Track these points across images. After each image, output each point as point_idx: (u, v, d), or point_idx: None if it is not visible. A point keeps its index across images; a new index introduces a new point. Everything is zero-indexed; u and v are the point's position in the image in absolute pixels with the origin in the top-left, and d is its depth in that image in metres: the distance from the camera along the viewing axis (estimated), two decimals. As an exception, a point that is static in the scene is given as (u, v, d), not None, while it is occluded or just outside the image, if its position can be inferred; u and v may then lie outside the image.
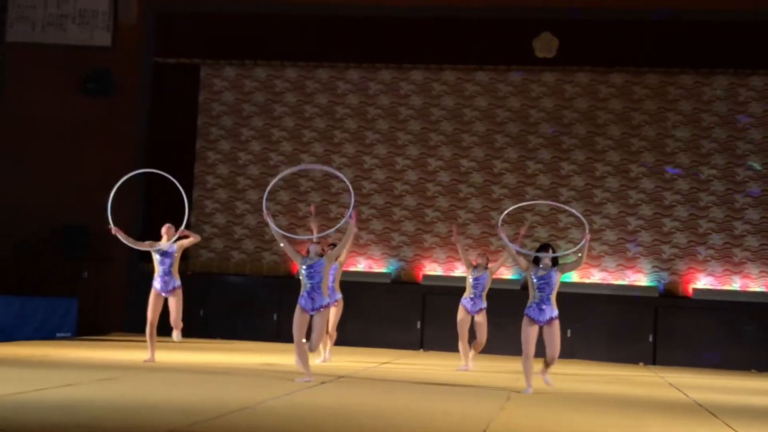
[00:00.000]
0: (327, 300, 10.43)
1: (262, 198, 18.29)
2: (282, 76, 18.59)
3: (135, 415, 7.33)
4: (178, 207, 18.32)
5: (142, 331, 12.35)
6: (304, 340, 10.47)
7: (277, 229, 10.64)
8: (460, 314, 13.03)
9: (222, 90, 18.71)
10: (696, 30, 17.17)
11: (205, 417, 7.25)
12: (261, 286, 17.94)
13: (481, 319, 12.92)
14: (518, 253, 10.67)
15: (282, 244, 10.64)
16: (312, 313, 10.38)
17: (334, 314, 13.39)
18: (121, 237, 12.11)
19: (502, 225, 11.06)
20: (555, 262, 10.38)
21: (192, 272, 18.11)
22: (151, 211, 18.32)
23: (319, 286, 10.31)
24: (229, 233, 18.42)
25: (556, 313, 10.27)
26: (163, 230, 12.48)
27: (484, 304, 12.92)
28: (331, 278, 12.67)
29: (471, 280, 12.93)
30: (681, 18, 17.17)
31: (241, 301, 17.83)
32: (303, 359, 10.45)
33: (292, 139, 18.47)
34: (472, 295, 12.90)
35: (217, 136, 18.65)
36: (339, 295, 13.48)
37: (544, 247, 10.49)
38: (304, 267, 10.34)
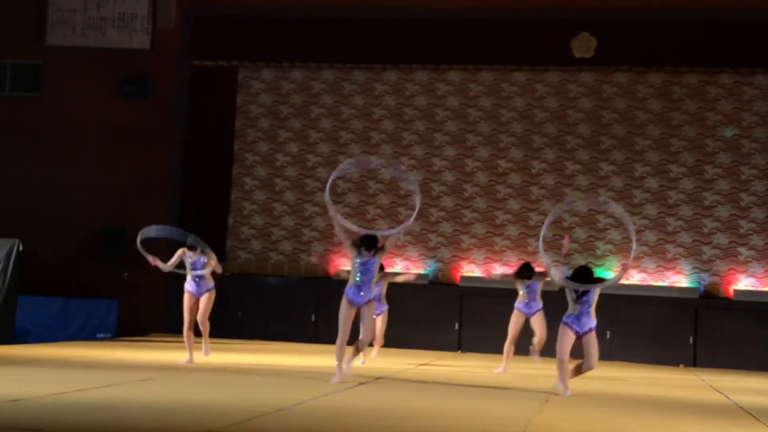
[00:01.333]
0: (374, 293, 10.42)
1: (299, 199, 18.44)
2: (319, 77, 18.63)
3: (173, 416, 7.39)
4: (214, 209, 18.54)
5: (180, 332, 12.44)
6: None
7: (342, 219, 10.56)
8: (514, 317, 12.97)
9: (259, 92, 18.78)
10: (735, 29, 16.99)
11: (242, 418, 7.29)
12: (299, 288, 17.99)
13: (539, 318, 12.87)
14: (565, 285, 10.57)
15: (341, 235, 10.60)
16: (361, 305, 10.33)
17: (380, 324, 13.47)
18: (161, 266, 12.27)
19: (553, 264, 11.00)
20: (595, 278, 10.39)
21: (230, 273, 18.15)
22: (188, 214, 18.43)
23: (370, 281, 10.31)
24: (267, 234, 18.49)
25: (594, 323, 10.26)
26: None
27: (540, 305, 12.89)
28: (377, 290, 12.68)
29: (524, 291, 12.86)
30: (719, 17, 17.01)
31: (279, 303, 17.89)
32: (341, 356, 10.42)
33: (329, 140, 18.51)
34: (526, 300, 12.87)
35: (254, 137, 18.73)
36: (385, 306, 13.63)
37: (582, 272, 10.40)
38: (358, 261, 10.32)
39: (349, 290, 10.33)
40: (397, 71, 18.37)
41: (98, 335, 16.29)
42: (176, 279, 18.15)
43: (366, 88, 18.49)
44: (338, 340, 10.31)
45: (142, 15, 18.72)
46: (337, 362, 10.39)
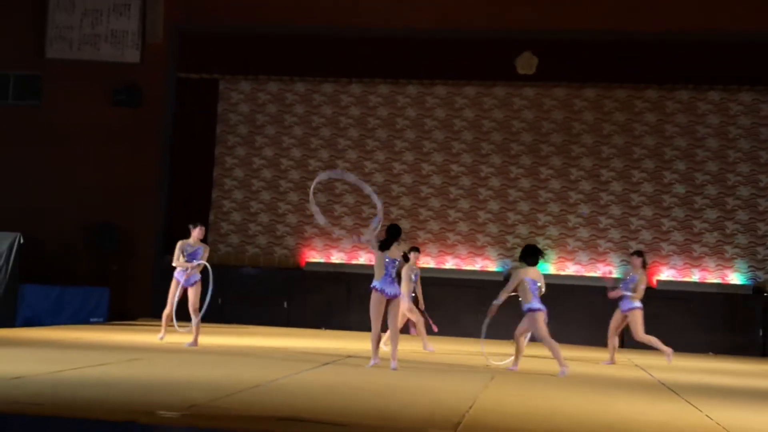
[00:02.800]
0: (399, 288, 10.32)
1: (274, 198, 18.38)
2: (292, 89, 18.59)
3: (161, 392, 7.33)
4: (197, 206, 18.45)
5: (165, 317, 12.36)
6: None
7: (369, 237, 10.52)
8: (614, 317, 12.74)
9: (238, 102, 18.69)
10: (657, 49, 17.19)
11: (222, 394, 7.25)
12: (273, 277, 17.95)
13: (631, 317, 12.55)
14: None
15: (368, 239, 10.52)
16: (391, 298, 10.15)
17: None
18: (182, 268, 12.14)
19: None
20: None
21: (211, 264, 18.06)
22: (174, 211, 18.34)
23: (395, 277, 10.22)
24: (245, 230, 18.42)
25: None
26: (197, 232, 12.37)
27: (634, 304, 12.53)
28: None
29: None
30: (642, 39, 17.19)
31: (255, 291, 17.84)
32: (377, 343, 10.32)
33: (300, 145, 18.47)
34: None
35: (233, 142, 18.64)
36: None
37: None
38: (387, 259, 10.17)
39: (378, 284, 10.11)
40: (361, 84, 18.37)
41: (91, 320, 16.13)
42: (161, 269, 18.07)
43: (333, 100, 18.47)
44: (374, 330, 10.21)
45: (132, 32, 18.58)
46: (373, 348, 10.27)
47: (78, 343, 11.56)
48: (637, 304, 12.53)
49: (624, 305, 12.65)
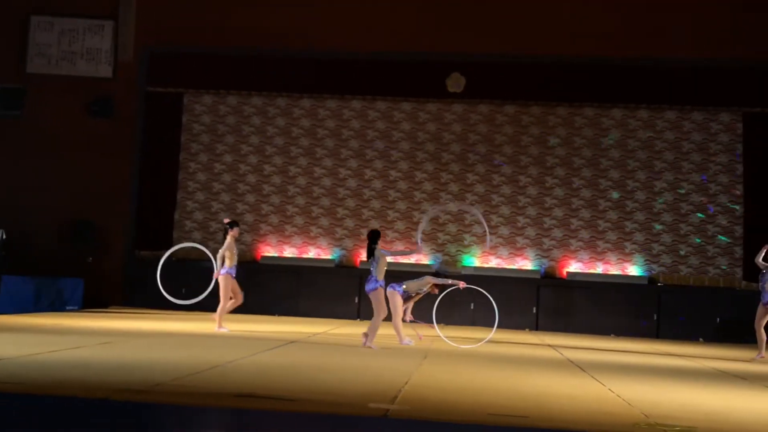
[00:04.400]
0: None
1: (233, 199, 18.21)
2: (249, 102, 18.44)
3: (128, 371, 7.20)
4: (163, 207, 18.22)
5: (136, 306, 12.14)
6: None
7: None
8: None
9: (201, 113, 18.48)
10: (570, 71, 17.44)
11: (184, 373, 7.15)
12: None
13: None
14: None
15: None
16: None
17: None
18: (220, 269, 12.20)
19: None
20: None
21: (176, 259, 17.89)
22: (143, 210, 18.11)
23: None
24: (206, 227, 18.21)
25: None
26: (235, 231, 12.48)
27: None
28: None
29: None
30: (559, 61, 17.42)
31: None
32: (401, 328, 11.35)
33: (256, 152, 18.34)
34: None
35: (196, 149, 18.42)
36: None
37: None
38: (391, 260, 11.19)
39: (386, 283, 10.80)
40: (311, 99, 18.30)
41: (67, 307, 15.78)
42: (133, 263, 17.80)
43: (286, 112, 18.36)
44: (395, 320, 11.29)
45: (105, 50, 18.25)
46: (398, 334, 11.26)
47: (54, 329, 11.30)
48: None
49: (764, 298, 12.11)
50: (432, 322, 11.89)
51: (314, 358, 9.18)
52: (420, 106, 18.13)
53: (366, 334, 10.62)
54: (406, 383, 7.31)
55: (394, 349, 10.83)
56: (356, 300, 17.23)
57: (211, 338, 10.99)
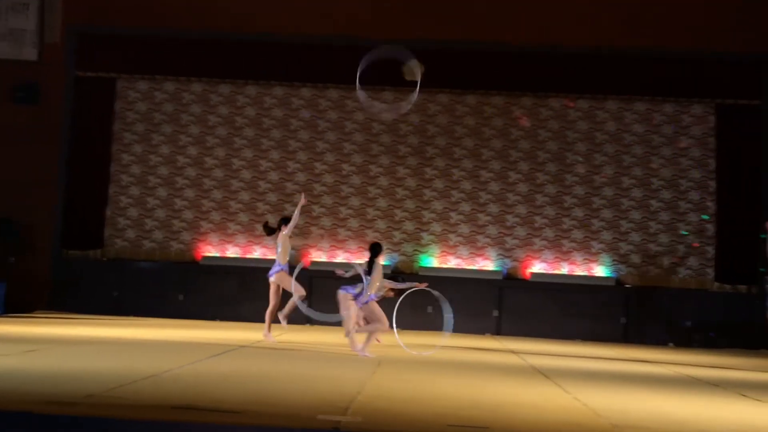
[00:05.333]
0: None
1: (170, 194, 18.02)
2: (189, 89, 18.25)
3: (58, 382, 7.09)
4: (94, 202, 17.97)
5: (64, 310, 11.96)
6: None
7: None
8: None
9: (135, 100, 18.24)
10: (532, 61, 17.57)
11: (119, 383, 7.07)
12: (169, 271, 17.61)
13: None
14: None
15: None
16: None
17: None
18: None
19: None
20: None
21: (107, 259, 17.71)
22: (71, 205, 17.83)
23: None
24: (141, 225, 17.99)
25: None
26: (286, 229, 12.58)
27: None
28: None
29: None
30: (521, 50, 17.54)
31: (151, 284, 17.47)
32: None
33: (197, 143, 18.17)
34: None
35: (130, 140, 18.18)
36: None
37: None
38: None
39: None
40: (257, 86, 18.19)
41: (-13, 312, 15.46)
42: (60, 263, 17.50)
43: (230, 100, 18.23)
44: (348, 325, 11.45)
45: (30, 31, 17.91)
46: (351, 341, 11.23)
47: (-27, 336, 11.05)
48: None
49: None
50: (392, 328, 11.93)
51: (260, 367, 9.15)
52: (375, 95, 18.13)
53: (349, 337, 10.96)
54: (359, 393, 7.33)
55: (347, 356, 10.84)
56: (306, 304, 17.15)
57: (147, 346, 10.87)
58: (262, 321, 16.66)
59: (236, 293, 17.34)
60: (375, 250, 11.15)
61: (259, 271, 17.33)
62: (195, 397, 6.69)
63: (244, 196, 18.01)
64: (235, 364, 9.27)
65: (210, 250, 17.82)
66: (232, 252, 17.82)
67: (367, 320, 11.11)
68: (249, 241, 17.81)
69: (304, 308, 12.19)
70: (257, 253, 17.73)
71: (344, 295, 11.51)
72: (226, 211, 17.87)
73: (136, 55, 17.96)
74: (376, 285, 11.04)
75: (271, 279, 12.52)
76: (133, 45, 17.94)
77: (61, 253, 17.70)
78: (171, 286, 17.39)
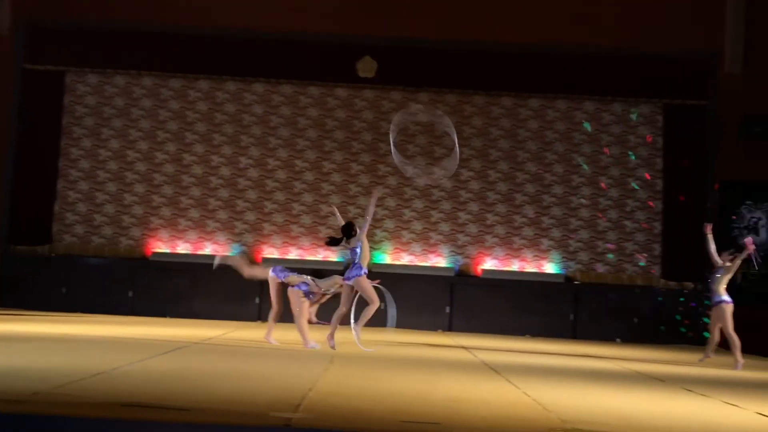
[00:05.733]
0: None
1: (120, 189, 17.77)
2: (139, 83, 18.03)
3: (4, 379, 6.94)
4: (42, 197, 17.65)
5: (10, 307, 11.72)
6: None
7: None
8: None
9: (85, 94, 17.96)
10: (482, 59, 17.69)
11: (66, 381, 6.95)
12: (118, 267, 17.37)
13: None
14: None
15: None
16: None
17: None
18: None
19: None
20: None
21: (55, 254, 17.41)
22: (19, 201, 17.52)
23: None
24: (90, 220, 17.72)
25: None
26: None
27: None
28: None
29: None
30: (472, 49, 17.66)
31: (100, 280, 17.22)
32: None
33: (147, 138, 17.95)
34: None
35: (79, 134, 17.90)
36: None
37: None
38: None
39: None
40: (209, 81, 18.02)
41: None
42: (7, 258, 17.16)
43: (181, 94, 18.04)
44: (300, 321, 11.33)
45: (-24, 21, 17.52)
46: (303, 337, 11.29)
47: None
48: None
49: (715, 298, 12.36)
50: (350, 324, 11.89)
51: (210, 364, 9.06)
52: (328, 92, 18.09)
53: (331, 328, 10.98)
54: (311, 390, 7.30)
55: (299, 353, 10.80)
56: (257, 300, 17.09)
57: (95, 343, 10.71)
58: (212, 317, 16.46)
59: (187, 290, 17.18)
60: (349, 228, 11.17)
61: (209, 267, 17.13)
62: (144, 394, 6.60)
63: (195, 191, 17.84)
64: (185, 362, 9.18)
65: (160, 246, 17.62)
66: (182, 248, 17.64)
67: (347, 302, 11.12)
68: (200, 237, 17.65)
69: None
70: (208, 249, 17.59)
71: (296, 291, 11.45)
72: (177, 206, 17.70)
73: (86, 49, 17.70)
74: (368, 257, 11.12)
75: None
76: (83, 38, 17.69)
77: (8, 248, 17.36)
78: (120, 283, 17.17)
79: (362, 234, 11.10)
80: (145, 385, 7.14)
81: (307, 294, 11.40)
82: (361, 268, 10.94)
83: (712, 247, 12.42)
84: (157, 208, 17.73)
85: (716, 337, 12.57)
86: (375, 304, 11.04)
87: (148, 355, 9.36)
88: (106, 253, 17.57)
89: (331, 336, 11.16)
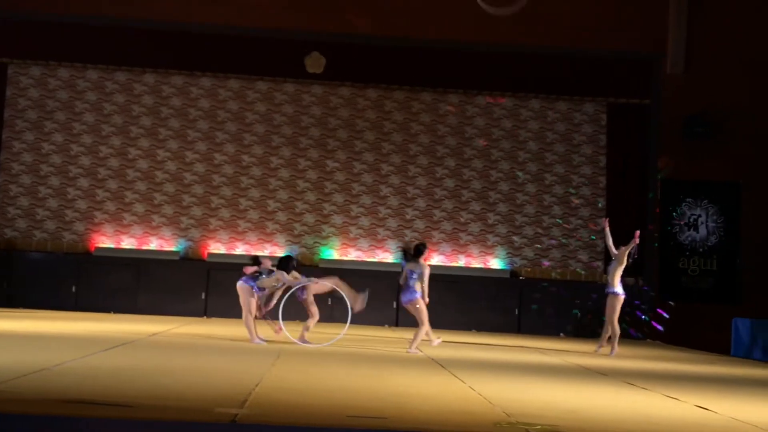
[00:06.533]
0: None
1: (63, 183, 17.44)
2: (84, 76, 17.70)
3: (-61, 378, 6.76)
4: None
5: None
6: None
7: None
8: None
9: (27, 86, 17.57)
10: (431, 56, 17.70)
11: (6, 377, 6.79)
12: (61, 262, 17.04)
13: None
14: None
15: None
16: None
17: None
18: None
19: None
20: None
21: (-3, 249, 17.06)
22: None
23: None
24: (32, 214, 17.36)
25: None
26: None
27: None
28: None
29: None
30: (423, 44, 17.67)
31: (43, 275, 16.87)
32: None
33: (92, 132, 17.64)
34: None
35: (22, 127, 17.50)
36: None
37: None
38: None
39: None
40: (155, 74, 17.77)
41: None
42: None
43: (126, 88, 17.76)
44: (247, 317, 11.46)
45: None
46: (250, 332, 11.44)
47: None
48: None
49: (609, 288, 13.06)
50: (278, 319, 11.77)
51: (155, 360, 8.95)
52: (276, 87, 17.97)
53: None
54: (257, 385, 7.25)
55: (245, 349, 10.72)
56: (203, 296, 16.93)
57: (37, 339, 10.49)
58: (157, 313, 16.25)
59: (131, 285, 16.94)
60: (420, 250, 11.76)
61: (154, 263, 17.01)
62: (87, 391, 6.49)
63: (140, 186, 17.58)
64: (129, 358, 9.04)
65: (104, 240, 17.34)
66: (127, 243, 17.38)
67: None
68: (145, 232, 17.42)
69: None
70: (153, 244, 17.36)
71: (247, 288, 11.37)
72: (122, 201, 17.43)
73: (29, 41, 17.35)
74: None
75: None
76: (26, 29, 17.32)
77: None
78: (63, 278, 16.86)
79: (426, 269, 11.63)
80: (88, 382, 7.02)
81: (258, 292, 11.40)
82: (415, 291, 11.53)
83: (610, 239, 13.47)
84: (102, 203, 17.45)
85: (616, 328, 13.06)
86: (424, 326, 11.68)
87: (91, 351, 9.20)
88: (49, 247, 17.23)
89: (414, 344, 11.66)
